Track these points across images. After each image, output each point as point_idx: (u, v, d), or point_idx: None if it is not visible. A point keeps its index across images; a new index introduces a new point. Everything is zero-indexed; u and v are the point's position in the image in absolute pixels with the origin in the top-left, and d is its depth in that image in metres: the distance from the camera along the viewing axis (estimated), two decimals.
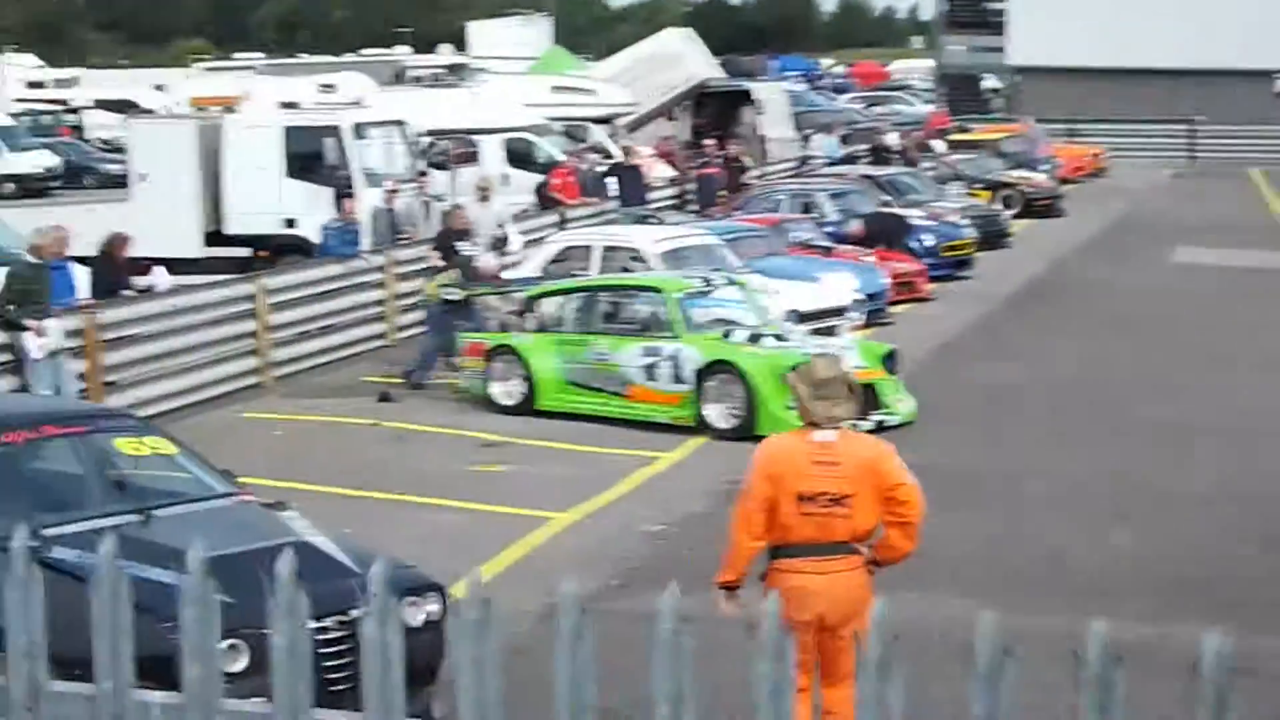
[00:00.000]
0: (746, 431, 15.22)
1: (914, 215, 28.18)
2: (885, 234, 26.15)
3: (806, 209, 27.99)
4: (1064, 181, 42.09)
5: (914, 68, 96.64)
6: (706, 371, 16.05)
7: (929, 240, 27.33)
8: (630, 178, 29.05)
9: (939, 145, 40.23)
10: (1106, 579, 11.27)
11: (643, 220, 28.02)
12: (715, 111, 41.58)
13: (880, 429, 15.11)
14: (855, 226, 26.56)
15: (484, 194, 22.84)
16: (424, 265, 20.41)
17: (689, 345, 16.34)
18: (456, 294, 18.71)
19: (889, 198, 29.45)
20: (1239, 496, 13.44)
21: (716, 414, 15.95)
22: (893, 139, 39.55)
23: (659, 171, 34.62)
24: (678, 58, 40.29)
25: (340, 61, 55.86)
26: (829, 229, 26.48)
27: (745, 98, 42.23)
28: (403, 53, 63.53)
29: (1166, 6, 61.92)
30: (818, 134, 43.41)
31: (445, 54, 59.69)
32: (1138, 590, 10.94)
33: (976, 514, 12.96)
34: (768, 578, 7.32)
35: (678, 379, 16.28)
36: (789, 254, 23.41)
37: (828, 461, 7.20)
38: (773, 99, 43.42)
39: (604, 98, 37.72)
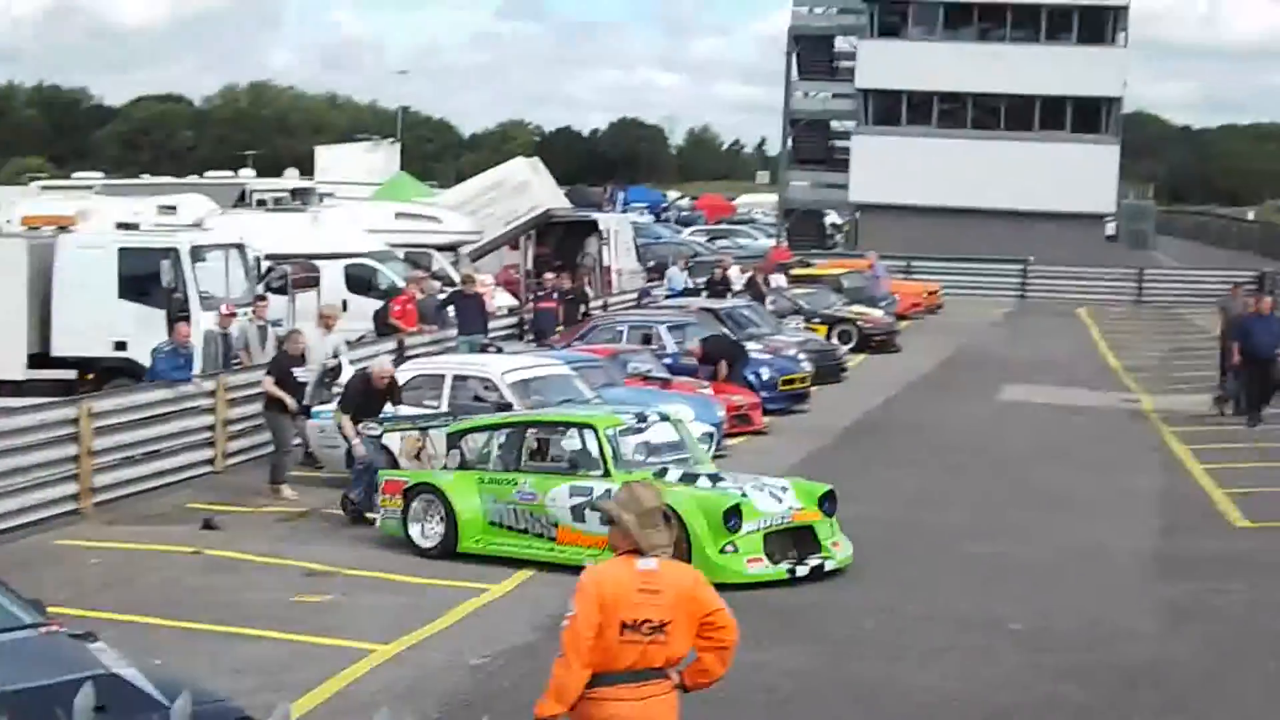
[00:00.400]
0: None
1: (752, 348, 28.55)
2: (722, 355, 26.48)
3: (646, 340, 28.21)
4: (900, 317, 42.79)
5: (759, 202, 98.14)
6: None
7: (766, 373, 27.64)
8: (470, 306, 29.04)
9: (780, 280, 40.74)
10: (924, 715, 11.35)
11: (482, 349, 28.05)
12: (560, 241, 41.88)
13: (819, 573, 15.16)
14: (694, 347, 27.02)
15: (326, 322, 22.72)
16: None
17: (620, 484, 15.68)
18: (376, 429, 18.46)
19: (728, 331, 29.73)
20: (1054, 632, 13.62)
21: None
22: (735, 272, 40.03)
23: (500, 300, 34.70)
24: (524, 186, 40.50)
25: (183, 183, 55.50)
26: (668, 361, 26.69)
27: (590, 228, 42.57)
28: (247, 175, 63.23)
29: (1002, 151, 63.78)
30: (672, 266, 43.79)
31: (290, 178, 59.51)
32: None
33: (797, 648, 13.03)
34: (579, 707, 7.28)
35: (608, 520, 15.80)
36: (626, 385, 23.52)
37: (651, 589, 7.28)
38: (617, 230, 43.80)
39: (448, 225, 37.78)
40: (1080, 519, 18.82)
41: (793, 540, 15.52)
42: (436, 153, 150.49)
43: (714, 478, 15.93)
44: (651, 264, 47.48)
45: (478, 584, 15.29)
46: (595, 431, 16.16)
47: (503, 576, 15.58)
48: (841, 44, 71.66)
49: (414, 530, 16.56)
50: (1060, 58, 64.08)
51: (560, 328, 31.40)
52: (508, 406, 19.52)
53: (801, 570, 15.20)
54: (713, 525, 14.98)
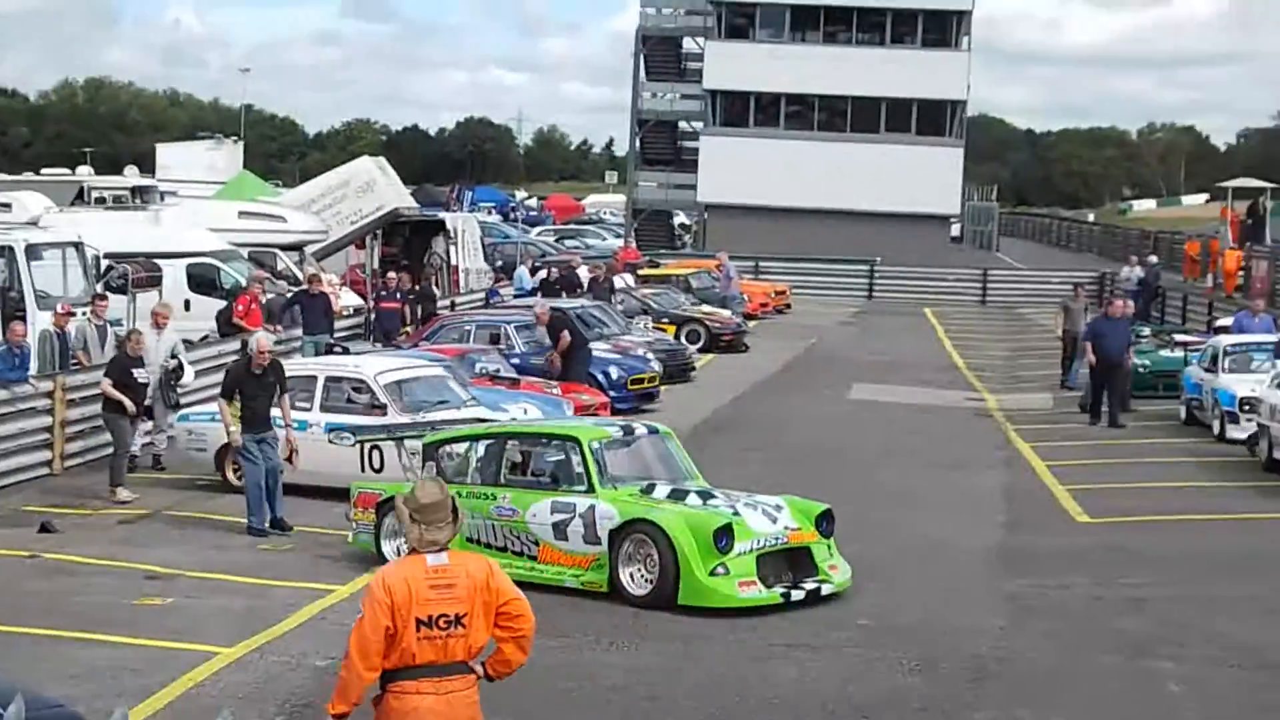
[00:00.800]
0: (665, 600, 14.00)
1: (601, 348, 28.57)
2: (566, 328, 26.65)
3: (494, 340, 28.07)
4: (749, 317, 43.01)
5: (608, 202, 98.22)
6: (622, 531, 14.43)
7: (614, 373, 27.64)
8: (315, 306, 28.69)
9: (628, 279, 40.76)
10: (773, 710, 11.35)
11: (328, 350, 27.73)
12: (407, 240, 41.56)
13: (815, 598, 14.33)
14: (541, 310, 27.70)
15: (158, 320, 22.27)
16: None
17: (604, 501, 14.66)
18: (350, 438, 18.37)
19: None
20: (900, 627, 13.71)
21: (631, 579, 14.33)
22: (584, 272, 39.99)
23: (346, 300, 34.34)
24: (370, 186, 40.11)
25: (19, 180, 54.28)
26: (515, 360, 26.58)
27: (438, 227, 42.31)
28: (85, 173, 62.01)
29: (848, 153, 64.40)
30: (520, 266, 43.61)
31: (130, 175, 58.45)
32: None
33: (648, 646, 13.00)
34: (382, 702, 7.41)
35: (592, 537, 14.61)
36: (474, 384, 23.36)
37: (444, 584, 7.37)
38: (465, 229, 43.56)
39: (293, 224, 37.30)
40: (926, 516, 18.98)
41: (788, 562, 14.57)
42: (280, 151, 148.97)
43: (704, 494, 14.95)
44: (499, 264, 47.28)
45: (322, 585, 15.08)
46: (579, 444, 15.14)
47: (348, 577, 15.38)
48: (689, 45, 71.98)
49: (387, 547, 15.43)
50: (905, 61, 64.80)
51: (406, 328, 31.13)
52: (382, 408, 19.25)
53: (797, 594, 14.25)
54: (702, 545, 13.99)
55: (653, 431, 16.21)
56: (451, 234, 41.79)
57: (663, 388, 28.81)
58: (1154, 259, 50.28)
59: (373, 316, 32.27)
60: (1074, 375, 32.27)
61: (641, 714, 11.20)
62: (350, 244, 40.82)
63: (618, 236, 66.11)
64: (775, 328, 44.59)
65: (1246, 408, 24.11)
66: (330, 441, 19.15)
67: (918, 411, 28.89)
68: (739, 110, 66.97)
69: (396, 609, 7.29)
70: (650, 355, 29.59)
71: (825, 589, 14.46)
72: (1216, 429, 25.12)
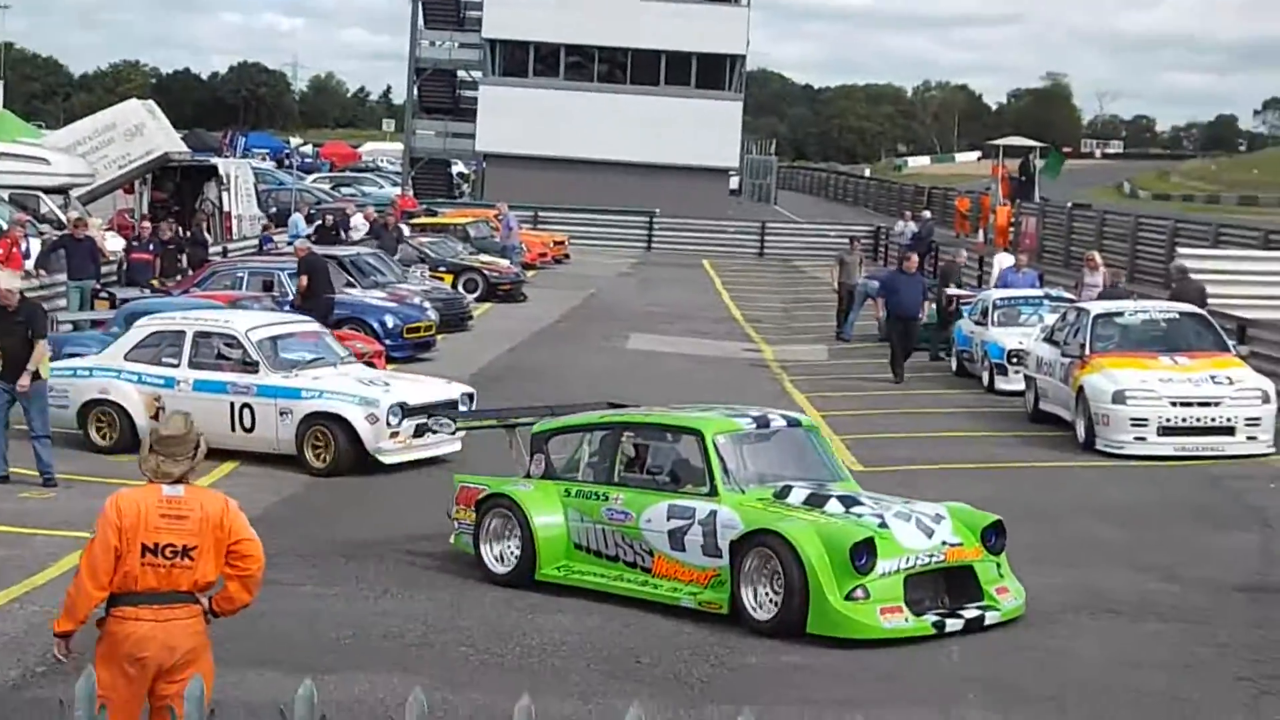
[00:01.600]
0: (792, 628, 11.69)
1: (376, 296, 28.25)
2: (313, 270, 26.22)
3: (267, 287, 27.54)
4: (527, 267, 42.85)
5: (385, 150, 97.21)
6: (745, 543, 12.21)
7: (390, 321, 27.33)
8: (80, 251, 27.86)
9: (404, 228, 40.30)
10: (545, 654, 11.29)
11: (94, 295, 26.97)
12: (178, 186, 40.62)
13: (976, 627, 11.99)
14: (301, 245, 27.75)
15: None
16: None
17: (727, 507, 12.53)
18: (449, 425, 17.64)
19: (351, 279, 29.28)
20: None
21: (755, 600, 12.07)
22: (358, 220, 39.47)
23: (113, 245, 33.40)
24: (139, 129, 39.13)
25: None
26: (288, 308, 26.10)
27: (210, 173, 41.42)
28: None
29: (628, 105, 64.41)
30: (295, 214, 42.83)
31: None
32: (577, 666, 11.00)
33: (421, 594, 12.85)
34: (104, 623, 7.53)
35: (711, 549, 12.49)
36: None
37: (175, 515, 7.51)
38: (238, 175, 42.71)
39: (57, 167, 36.22)
40: None
41: (945, 583, 12.30)
42: (44, 92, 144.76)
43: (848, 500, 12.59)
44: (274, 211, 46.48)
45: (85, 534, 14.61)
46: (701, 438, 12.97)
47: None
48: None
49: (488, 552, 13.60)
50: (685, 14, 64.90)
51: (156, 280, 29.91)
52: (254, 365, 18.44)
53: (953, 624, 11.92)
54: (837, 563, 11.72)
55: (793, 424, 13.92)
56: (224, 180, 40.98)
57: (439, 337, 28.57)
58: (927, 214, 51.18)
59: (124, 267, 31.13)
60: (849, 327, 32.76)
61: (414, 661, 11.05)
62: (118, 188, 39.79)
63: (395, 185, 65.46)
64: (554, 278, 44.50)
65: (1014, 360, 24.65)
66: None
67: (695, 362, 29.02)
68: (518, 60, 66.57)
69: (124, 531, 7.45)
70: (427, 304, 29.30)
71: (990, 617, 12.11)
72: (986, 380, 25.64)
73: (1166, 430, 19.85)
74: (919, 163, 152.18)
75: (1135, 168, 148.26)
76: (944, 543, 12.27)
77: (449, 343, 28.84)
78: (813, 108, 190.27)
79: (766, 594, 12.01)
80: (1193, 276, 25.46)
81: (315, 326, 20.64)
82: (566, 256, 49.85)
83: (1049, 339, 22.70)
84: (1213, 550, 15.02)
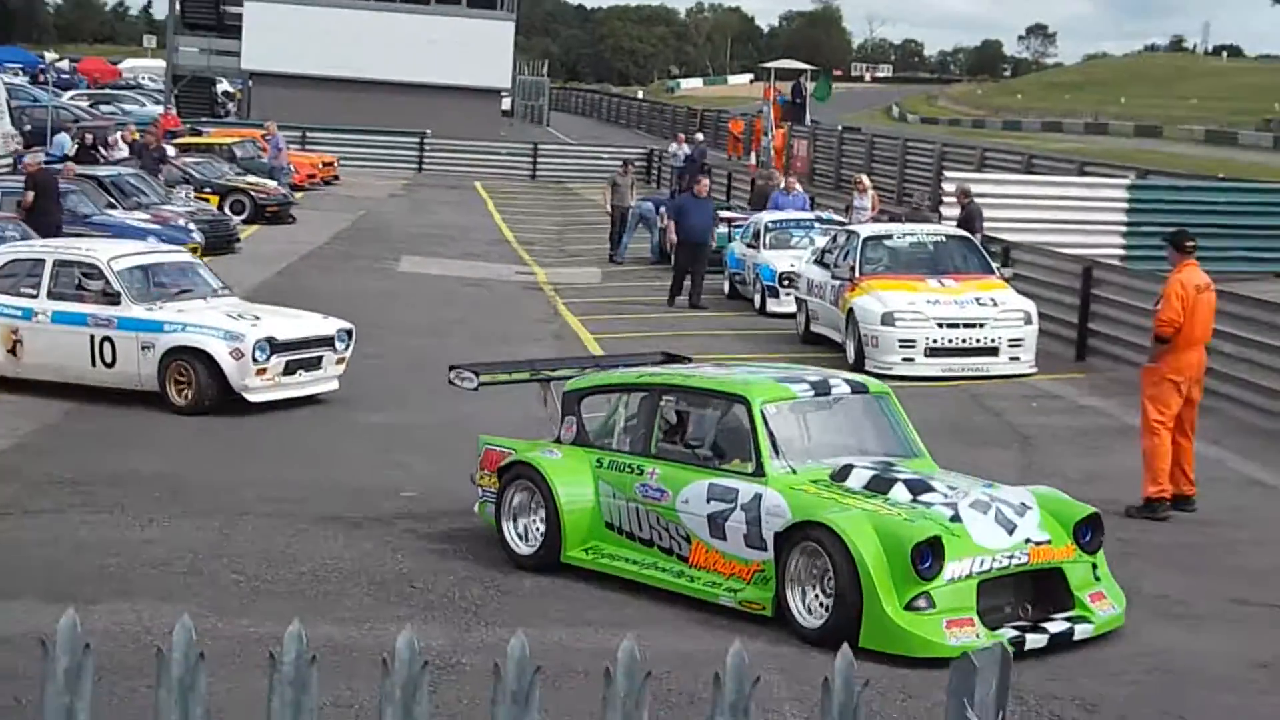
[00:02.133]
0: (843, 638, 7.55)
1: (139, 218, 27.57)
2: (37, 187, 25.37)
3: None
4: (296, 188, 42.16)
5: (146, 67, 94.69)
6: (791, 536, 10.27)
7: (153, 245, 26.66)
8: None
9: (167, 148, 39.33)
10: (318, 580, 11.16)
11: None
12: None
13: (1065, 641, 10.10)
14: (30, 162, 27.33)
15: None
16: None
17: (775, 490, 10.53)
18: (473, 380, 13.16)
19: (112, 199, 28.53)
20: (443, 498, 13.65)
21: (802, 604, 10.20)
22: (119, 139, 38.44)
23: None
24: None
25: None
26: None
27: None
28: None
29: (398, 24, 63.51)
30: (61, 132, 41.42)
31: None
32: (350, 592, 10.90)
33: (189, 521, 12.61)
34: None
35: (756, 540, 10.52)
36: None
37: None
38: None
39: None
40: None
41: (1030, 588, 10.39)
42: None
43: (917, 485, 10.53)
44: (28, 128, 44.97)
45: None
46: (748, 406, 10.89)
47: None
48: None
49: (509, 528, 11.83)
50: None
51: None
52: (115, 296, 17.30)
53: (1036, 639, 9.99)
54: (896, 566, 9.82)
55: (859, 389, 11.74)
56: None
57: (205, 259, 27.92)
58: (700, 137, 51.45)
59: None
60: (622, 250, 32.83)
61: (182, 589, 10.84)
62: None
63: (157, 103, 63.82)
64: (323, 199, 43.88)
65: (786, 282, 24.92)
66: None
67: (468, 284, 28.86)
68: None
69: None
70: (192, 226, 28.69)
71: (1081, 630, 10.19)
72: (758, 303, 25.90)
73: (933, 351, 20.27)
74: (692, 85, 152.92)
75: (904, 91, 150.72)
76: (1028, 540, 10.28)
77: (216, 265, 28.09)
78: (586, 29, 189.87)
79: (816, 597, 10.14)
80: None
81: (188, 257, 19.55)
82: (336, 178, 49.14)
83: (819, 262, 22.98)
84: (975, 467, 15.33)
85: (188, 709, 4.13)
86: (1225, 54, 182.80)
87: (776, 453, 10.75)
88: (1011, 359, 20.46)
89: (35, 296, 17.69)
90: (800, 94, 57.56)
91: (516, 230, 38.68)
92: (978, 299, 20.72)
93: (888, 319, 20.31)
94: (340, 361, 17.97)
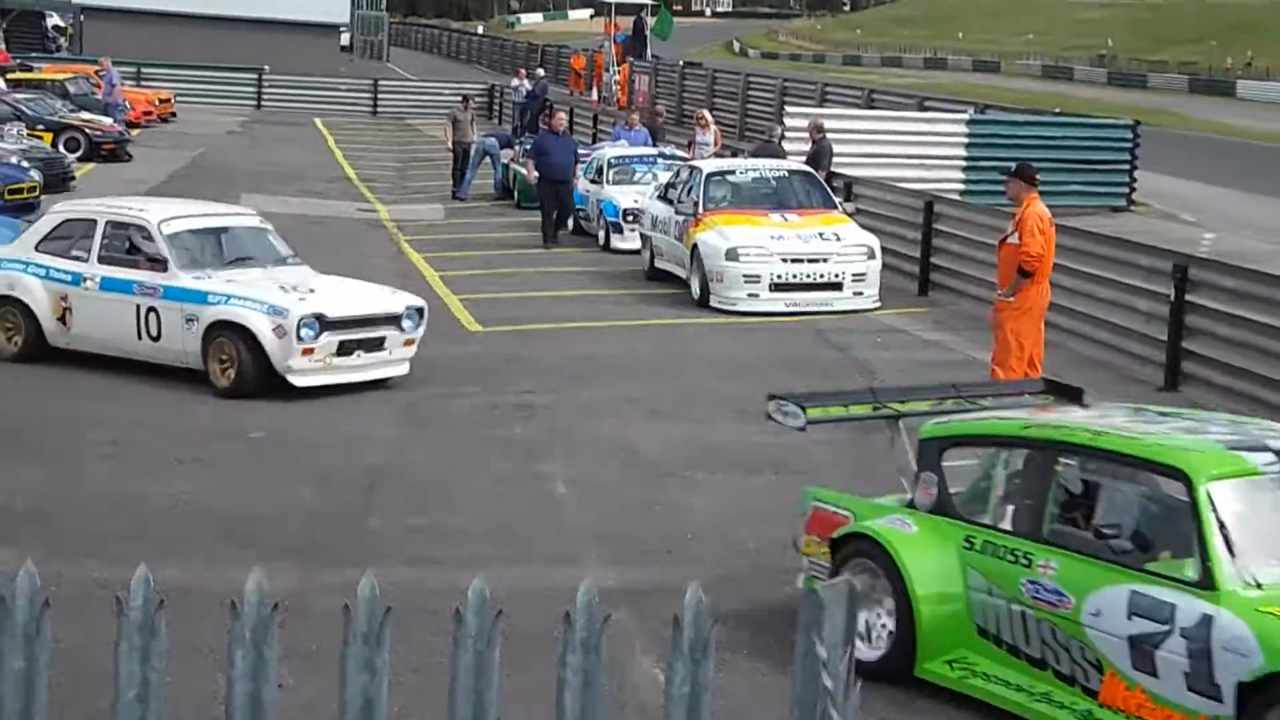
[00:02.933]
0: None
1: None
2: None
3: None
4: (131, 125, 41.39)
5: None
6: (1262, 687, 7.01)
7: None
8: None
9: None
10: (167, 521, 11.03)
11: None
12: None
13: None
14: None
15: None
16: None
17: (1232, 612, 7.24)
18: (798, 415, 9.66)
19: None
20: (292, 440, 13.55)
21: None
22: None
23: None
24: None
25: None
26: None
27: None
28: None
29: None
30: None
31: None
32: (197, 535, 10.78)
33: (32, 463, 12.39)
34: None
35: (1203, 684, 7.29)
36: None
37: None
38: None
39: None
40: None
41: None
42: None
43: None
44: None
45: None
46: (1188, 484, 7.63)
47: None
48: None
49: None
50: None
51: None
52: (163, 263, 15.61)
53: None
54: None
55: None
56: None
57: (42, 198, 27.38)
58: (541, 72, 51.20)
59: None
60: (466, 186, 32.63)
61: (23, 534, 10.62)
62: None
63: None
64: (160, 136, 43.12)
65: (630, 218, 24.93)
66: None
67: (309, 223, 28.50)
68: None
69: None
70: (27, 164, 28.06)
71: None
72: (602, 239, 25.88)
73: (778, 287, 20.39)
74: (532, 20, 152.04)
75: (745, 26, 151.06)
76: None
77: (51, 204, 27.62)
78: None
79: None
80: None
81: (254, 220, 17.28)
82: (173, 115, 48.29)
83: (663, 197, 23.00)
84: None
85: (34, 656, 4.06)
86: None
87: (1232, 555, 7.45)
88: (855, 294, 20.65)
89: (85, 261, 16.11)
90: (641, 29, 57.46)
91: (358, 167, 38.31)
92: (821, 234, 20.87)
93: (731, 254, 20.39)
94: (409, 343, 15.88)
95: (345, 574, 9.93)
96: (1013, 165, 14.69)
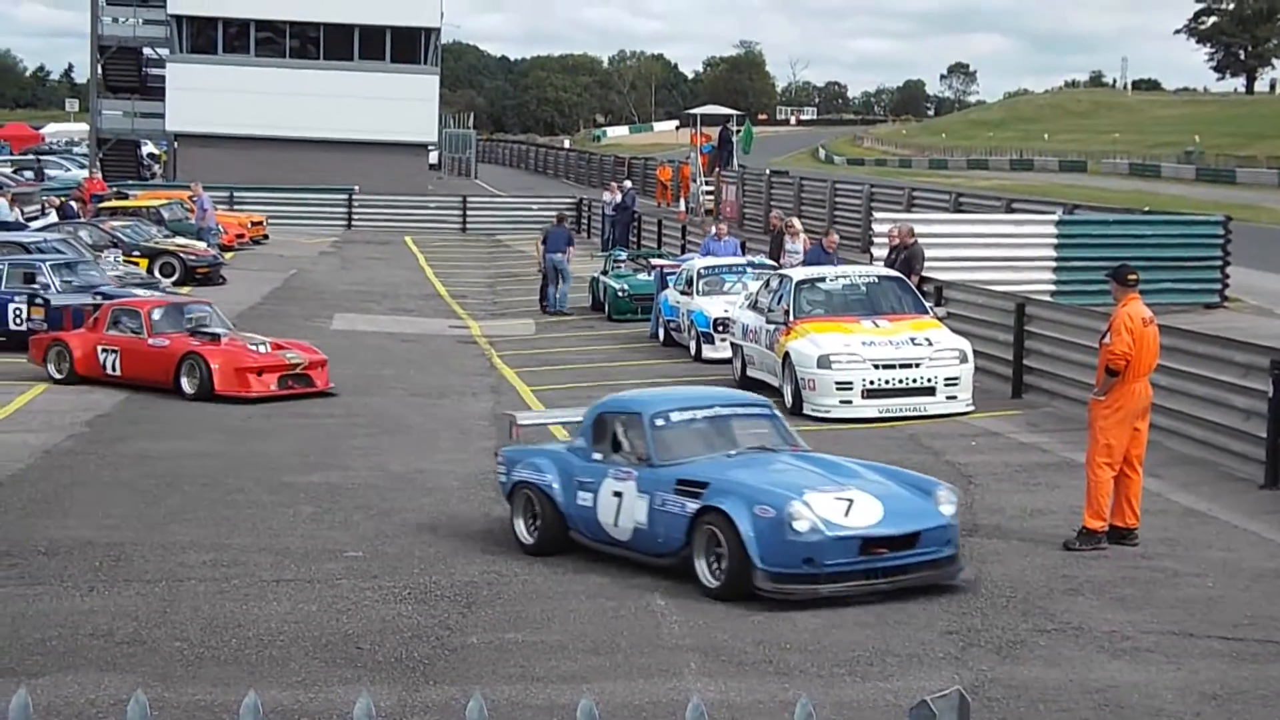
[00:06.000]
0: None
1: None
2: None
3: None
4: (225, 249, 41.97)
5: (69, 131, 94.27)
6: None
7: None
8: None
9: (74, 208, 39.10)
10: (265, 645, 11.03)
11: None
12: None
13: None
14: None
15: None
16: None
17: None
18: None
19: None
20: (390, 557, 13.56)
21: None
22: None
23: None
24: None
25: None
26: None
27: None
28: None
29: (323, 81, 63.51)
30: (0, 198, 40.97)
31: None
32: (296, 655, 10.77)
33: (130, 589, 12.44)
34: None
35: None
36: None
37: None
38: None
39: None
40: (414, 445, 18.87)
41: None
42: None
43: None
44: None
45: None
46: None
47: None
48: None
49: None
50: None
51: None
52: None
53: None
54: None
55: None
56: None
57: None
58: (629, 184, 51.55)
59: None
60: (562, 300, 32.62)
61: (125, 659, 10.68)
62: None
63: (82, 167, 63.49)
64: (253, 259, 43.68)
65: (721, 328, 24.95)
66: None
67: (402, 340, 28.76)
68: (207, 36, 65.10)
69: None
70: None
71: None
72: (693, 349, 25.90)
73: (870, 393, 20.30)
74: (618, 133, 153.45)
75: (830, 133, 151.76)
76: None
77: None
78: (509, 80, 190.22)
79: None
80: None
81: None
82: (265, 237, 48.96)
83: (753, 306, 23.01)
84: None
85: None
86: (1144, 88, 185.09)
87: None
88: (948, 398, 20.53)
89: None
90: (728, 139, 57.80)
91: (448, 284, 38.60)
92: (913, 339, 20.79)
93: (824, 362, 20.34)
94: None
95: (445, 691, 9.91)
96: (1103, 265, 14.62)
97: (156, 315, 23.34)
